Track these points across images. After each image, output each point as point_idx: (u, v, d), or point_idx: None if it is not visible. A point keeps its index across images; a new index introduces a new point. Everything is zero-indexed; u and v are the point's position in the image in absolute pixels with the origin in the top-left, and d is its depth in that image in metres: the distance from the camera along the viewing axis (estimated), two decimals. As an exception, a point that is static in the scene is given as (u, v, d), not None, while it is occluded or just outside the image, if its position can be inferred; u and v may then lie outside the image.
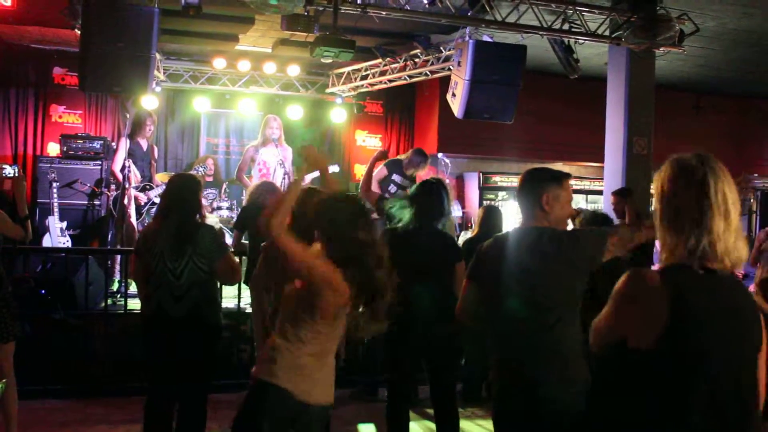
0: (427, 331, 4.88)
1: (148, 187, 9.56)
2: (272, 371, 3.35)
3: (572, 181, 13.17)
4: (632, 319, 2.38)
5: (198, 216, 4.83)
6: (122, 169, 8.86)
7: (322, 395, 3.42)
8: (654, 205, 2.48)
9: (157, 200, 9.36)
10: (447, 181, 8.45)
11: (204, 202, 5.99)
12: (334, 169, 10.22)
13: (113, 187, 10.04)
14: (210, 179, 10.82)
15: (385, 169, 9.26)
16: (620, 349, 2.40)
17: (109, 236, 9.85)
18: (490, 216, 7.11)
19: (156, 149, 10.55)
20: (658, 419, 2.34)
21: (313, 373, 3.36)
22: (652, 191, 2.48)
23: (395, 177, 9.15)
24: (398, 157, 10.02)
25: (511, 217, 13.20)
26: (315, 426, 3.44)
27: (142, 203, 9.57)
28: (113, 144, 11.12)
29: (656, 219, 2.45)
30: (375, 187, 9.10)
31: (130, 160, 8.96)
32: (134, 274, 4.95)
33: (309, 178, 9.51)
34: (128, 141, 9.65)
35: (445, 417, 5.08)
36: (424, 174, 9.05)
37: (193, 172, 9.51)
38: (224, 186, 10.86)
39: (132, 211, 9.07)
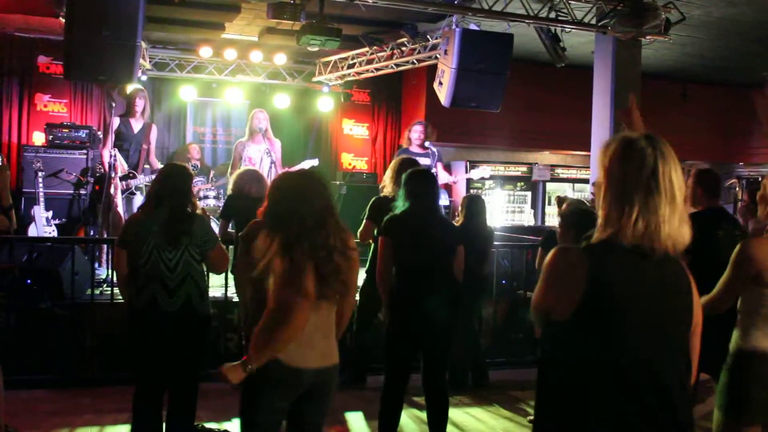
0: (428, 318, 4.91)
1: (131, 175, 9.28)
2: None
3: (559, 170, 13.36)
4: (553, 292, 2.43)
5: (190, 205, 4.82)
6: (108, 158, 8.79)
7: (316, 359, 3.44)
8: (598, 180, 2.48)
9: (137, 190, 9.28)
10: (434, 170, 8.47)
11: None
12: (313, 162, 10.13)
13: (72, 174, 9.89)
14: (196, 164, 10.69)
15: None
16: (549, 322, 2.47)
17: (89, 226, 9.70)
18: (473, 205, 7.14)
19: (154, 129, 10.04)
20: (578, 395, 2.38)
21: (301, 338, 3.36)
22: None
23: (402, 156, 9.05)
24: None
25: (497, 205, 13.29)
26: (315, 393, 3.49)
27: (120, 191, 9.21)
28: (99, 133, 11.06)
29: (600, 196, 2.45)
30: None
31: (116, 149, 8.86)
32: (119, 266, 4.83)
33: (300, 165, 9.52)
34: (118, 120, 9.39)
35: (437, 403, 5.12)
36: (417, 137, 9.21)
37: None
38: (211, 174, 10.83)
39: (118, 200, 9.00)
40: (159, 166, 9.76)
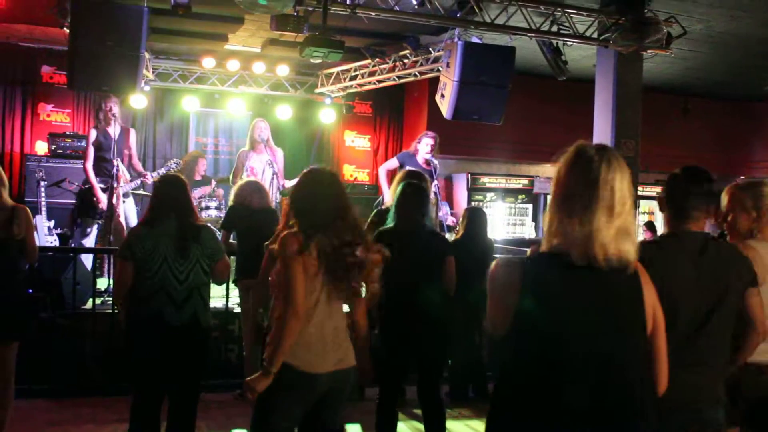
0: (421, 329, 4.91)
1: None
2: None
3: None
4: (492, 304, 2.48)
5: (194, 217, 4.83)
6: (111, 168, 8.73)
7: (329, 363, 3.53)
8: (551, 186, 2.50)
9: (125, 196, 9.17)
10: (435, 182, 8.48)
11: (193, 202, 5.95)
12: None
13: (75, 184, 9.65)
14: (174, 166, 10.36)
15: (397, 160, 9.23)
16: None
17: (80, 231, 9.37)
18: (474, 217, 7.14)
19: (132, 133, 9.68)
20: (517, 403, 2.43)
21: (314, 344, 3.49)
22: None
23: (408, 168, 9.02)
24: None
25: (498, 218, 13.30)
26: (332, 396, 3.59)
27: (104, 207, 8.87)
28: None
29: (549, 202, 2.48)
30: (388, 177, 9.10)
31: (118, 159, 8.82)
32: (122, 279, 4.77)
33: (292, 182, 9.52)
34: (96, 132, 9.11)
35: (434, 416, 5.11)
36: (427, 150, 9.02)
37: (165, 170, 9.33)
38: (213, 185, 10.84)
39: (120, 210, 8.97)
40: (142, 169, 9.73)
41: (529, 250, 2.50)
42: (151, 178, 9.24)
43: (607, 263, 2.34)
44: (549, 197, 2.50)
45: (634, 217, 2.43)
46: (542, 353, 2.37)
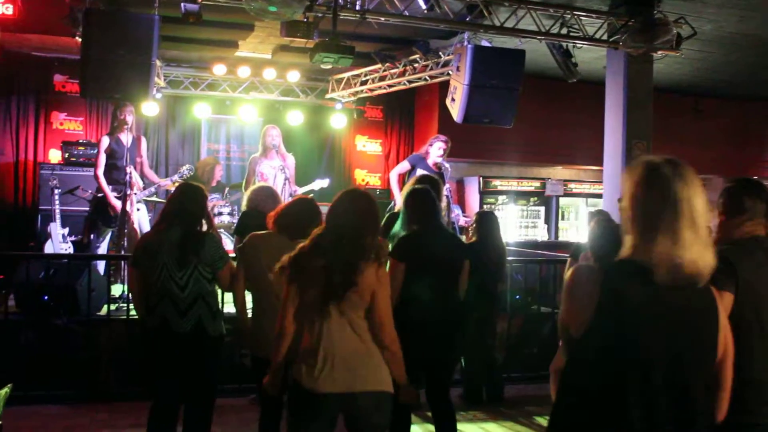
0: (433, 331, 4.92)
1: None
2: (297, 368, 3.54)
3: (572, 185, 13.29)
4: (569, 307, 2.47)
5: (203, 225, 4.85)
6: (123, 175, 8.76)
7: (338, 384, 3.48)
8: (623, 204, 2.49)
9: (138, 204, 9.21)
10: (447, 186, 8.47)
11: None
12: (323, 183, 10.06)
13: (88, 192, 9.63)
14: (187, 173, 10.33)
15: (408, 163, 9.22)
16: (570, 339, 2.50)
17: (95, 238, 9.32)
18: (485, 221, 7.13)
19: (143, 141, 9.65)
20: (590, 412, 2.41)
21: (319, 363, 3.47)
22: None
23: (419, 170, 9.01)
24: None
25: (510, 220, 13.29)
26: (356, 418, 3.57)
27: (118, 213, 8.81)
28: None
29: (625, 219, 2.47)
30: (399, 181, 9.09)
31: (131, 166, 8.84)
32: (131, 285, 4.85)
33: (310, 186, 9.55)
34: (108, 139, 9.08)
35: (444, 418, 5.12)
36: (439, 154, 8.93)
37: (178, 177, 9.35)
38: (226, 191, 10.89)
39: (134, 216, 9.02)
40: (156, 177, 9.72)
41: (580, 259, 2.51)
42: (169, 182, 9.30)
43: (694, 279, 2.36)
44: (623, 215, 2.49)
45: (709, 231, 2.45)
46: (617, 370, 2.35)
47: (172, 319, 4.64)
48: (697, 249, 2.34)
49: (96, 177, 8.99)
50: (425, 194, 5.20)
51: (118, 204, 8.77)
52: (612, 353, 2.35)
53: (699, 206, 2.38)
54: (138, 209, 9.10)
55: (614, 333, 2.34)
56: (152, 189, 9.36)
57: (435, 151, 8.90)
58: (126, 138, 8.96)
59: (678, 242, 2.33)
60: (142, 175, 9.42)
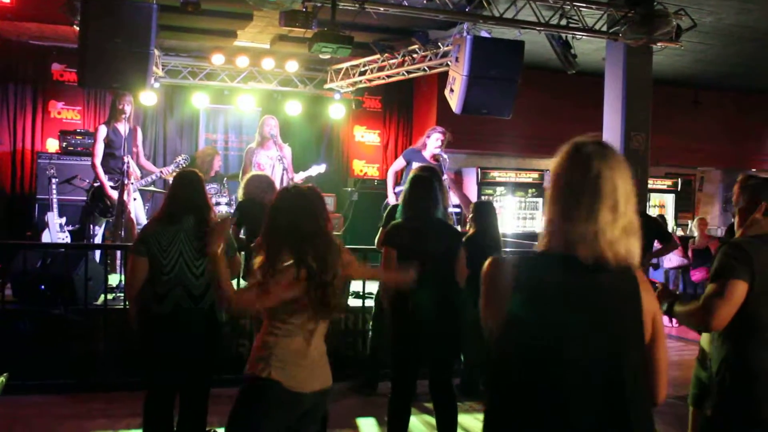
0: (431, 323, 4.92)
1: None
2: (265, 365, 3.49)
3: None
4: (486, 303, 2.41)
5: (209, 214, 4.86)
6: (121, 165, 8.74)
7: (315, 383, 3.55)
8: (547, 186, 2.43)
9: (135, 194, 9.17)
10: (445, 176, 8.44)
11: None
12: (320, 168, 10.00)
13: (86, 181, 9.53)
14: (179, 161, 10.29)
15: (403, 159, 9.20)
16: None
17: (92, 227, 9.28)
18: (482, 210, 7.12)
19: (139, 131, 9.64)
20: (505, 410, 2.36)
21: (301, 362, 3.49)
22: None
23: (415, 164, 8.98)
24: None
25: (508, 212, 13.29)
26: (313, 413, 3.61)
27: (115, 203, 8.75)
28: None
29: (547, 201, 2.41)
30: (395, 180, 9.08)
31: (128, 156, 8.82)
32: (136, 274, 4.81)
33: (308, 172, 9.53)
34: (106, 128, 9.05)
35: (445, 409, 5.12)
36: (437, 145, 8.86)
37: (174, 167, 9.35)
38: (224, 181, 10.88)
39: (131, 206, 9.00)
40: (152, 166, 9.70)
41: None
42: (165, 173, 9.29)
43: (613, 263, 2.27)
44: (546, 195, 2.43)
45: (637, 215, 2.36)
46: (536, 361, 2.28)
47: (184, 305, 4.67)
48: (615, 232, 2.27)
49: (93, 166, 8.96)
50: (424, 182, 5.19)
51: (114, 194, 8.76)
52: (530, 342, 2.28)
53: (623, 189, 2.32)
54: (135, 199, 9.09)
55: (530, 320, 2.27)
56: (149, 179, 9.35)
57: (433, 142, 8.86)
58: (123, 128, 8.93)
59: (596, 222, 2.26)
60: (138, 166, 9.40)
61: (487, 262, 2.42)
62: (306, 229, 3.51)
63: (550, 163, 2.45)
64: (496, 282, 2.36)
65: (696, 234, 11.32)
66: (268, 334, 3.52)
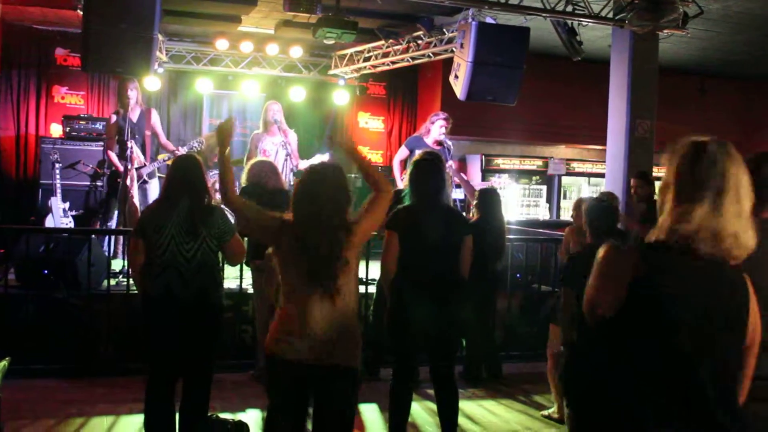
0: (433, 310, 4.90)
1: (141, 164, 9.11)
2: (270, 342, 3.67)
3: (574, 164, 13.21)
4: (601, 286, 2.47)
5: (207, 197, 4.85)
6: (124, 150, 8.75)
7: (306, 353, 3.58)
8: (666, 180, 2.48)
9: (150, 177, 9.24)
10: (450, 163, 8.42)
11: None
12: (323, 157, 9.96)
13: (89, 166, 9.85)
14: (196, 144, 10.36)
15: (406, 148, 9.15)
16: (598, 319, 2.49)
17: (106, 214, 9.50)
18: (486, 198, 7.10)
19: (154, 113, 9.60)
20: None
21: (298, 330, 3.58)
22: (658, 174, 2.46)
23: (418, 152, 8.93)
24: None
25: (512, 199, 13.27)
26: (335, 386, 3.66)
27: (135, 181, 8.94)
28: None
29: (666, 195, 2.45)
30: (402, 167, 9.04)
31: (132, 141, 8.83)
32: (135, 256, 4.87)
33: (307, 163, 9.48)
34: (116, 117, 9.18)
35: (447, 396, 5.11)
36: (441, 132, 8.82)
37: (187, 149, 9.38)
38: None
39: (134, 191, 9.02)
40: (172, 147, 9.71)
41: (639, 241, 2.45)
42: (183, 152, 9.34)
43: (732, 254, 2.36)
44: (665, 190, 2.47)
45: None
46: (662, 343, 2.34)
47: (175, 287, 4.66)
48: (739, 224, 2.35)
49: (108, 156, 9.17)
50: (427, 167, 5.16)
51: (134, 175, 8.85)
52: (657, 327, 2.34)
53: (744, 183, 2.39)
54: (148, 182, 9.14)
55: (652, 311, 2.33)
56: (162, 161, 9.34)
57: (436, 129, 8.82)
58: (133, 114, 9.01)
59: (721, 214, 2.33)
60: (161, 146, 9.45)
61: (604, 248, 2.49)
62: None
63: (667, 160, 2.49)
64: (616, 266, 2.43)
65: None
66: (277, 317, 3.69)
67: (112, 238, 8.77)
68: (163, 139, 9.64)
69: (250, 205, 3.83)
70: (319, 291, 3.57)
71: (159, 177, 9.40)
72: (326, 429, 3.69)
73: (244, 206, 3.83)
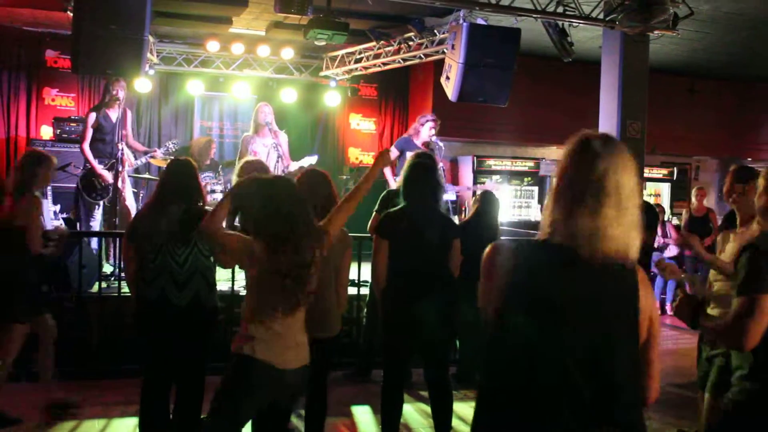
0: (423, 312, 4.89)
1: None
2: (250, 345, 3.63)
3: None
4: (484, 287, 2.44)
5: (200, 202, 4.84)
6: (111, 150, 8.71)
7: (296, 360, 3.67)
8: (553, 177, 2.45)
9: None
10: (441, 164, 8.42)
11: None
12: (311, 159, 9.95)
13: (80, 168, 9.44)
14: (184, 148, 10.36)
15: (395, 149, 9.16)
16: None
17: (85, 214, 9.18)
18: (486, 201, 7.13)
19: (129, 114, 9.62)
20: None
21: (284, 341, 3.63)
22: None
23: (408, 154, 8.94)
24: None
25: (504, 200, 13.27)
26: (296, 388, 3.76)
27: (108, 182, 8.83)
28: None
29: (550, 192, 2.42)
30: (392, 169, 9.04)
31: (122, 143, 8.80)
32: (127, 260, 4.86)
33: (300, 163, 9.48)
34: (96, 114, 9.05)
35: (441, 398, 5.11)
36: (430, 133, 8.90)
37: (163, 150, 9.39)
38: (219, 169, 10.85)
39: (127, 193, 8.99)
40: (141, 147, 9.72)
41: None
42: (158, 155, 9.32)
43: (613, 259, 2.29)
44: (551, 187, 2.44)
45: (640, 212, 2.36)
46: (529, 349, 2.29)
47: (169, 292, 4.65)
48: (620, 227, 2.29)
49: (82, 150, 8.99)
50: (421, 169, 5.16)
51: (106, 174, 8.75)
52: (525, 331, 2.29)
53: (628, 187, 2.33)
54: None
55: (527, 307, 2.30)
56: (142, 160, 9.32)
57: (426, 130, 8.87)
58: (114, 114, 8.95)
59: (600, 218, 2.28)
60: (128, 146, 9.37)
61: (488, 247, 2.45)
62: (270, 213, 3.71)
63: (557, 157, 2.46)
64: (496, 266, 2.39)
65: (694, 202, 11.14)
66: (250, 319, 3.68)
67: (102, 240, 8.72)
68: (131, 139, 9.59)
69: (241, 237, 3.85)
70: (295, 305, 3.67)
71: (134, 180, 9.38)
72: None
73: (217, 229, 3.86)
